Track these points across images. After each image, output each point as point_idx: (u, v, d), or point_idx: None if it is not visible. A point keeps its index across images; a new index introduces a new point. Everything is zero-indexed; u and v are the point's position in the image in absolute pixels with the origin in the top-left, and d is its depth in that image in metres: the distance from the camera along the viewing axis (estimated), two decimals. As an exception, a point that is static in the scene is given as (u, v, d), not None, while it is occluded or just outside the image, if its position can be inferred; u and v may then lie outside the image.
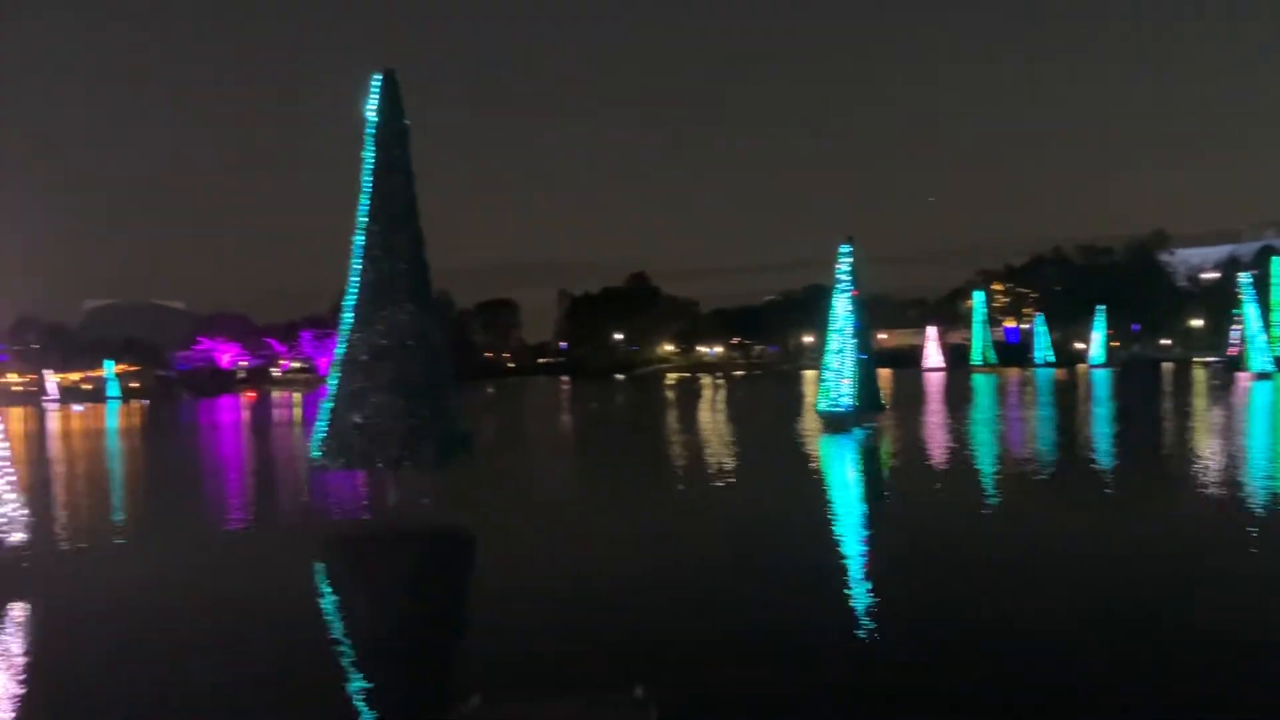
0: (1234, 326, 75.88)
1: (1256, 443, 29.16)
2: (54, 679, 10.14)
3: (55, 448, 42.26)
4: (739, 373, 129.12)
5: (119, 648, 11.16)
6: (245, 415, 64.89)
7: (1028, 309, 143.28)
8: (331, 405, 17.92)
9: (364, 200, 18.15)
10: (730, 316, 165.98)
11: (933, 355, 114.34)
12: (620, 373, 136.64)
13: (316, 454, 18.11)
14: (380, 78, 18.42)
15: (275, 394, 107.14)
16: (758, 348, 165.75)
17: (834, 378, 34.77)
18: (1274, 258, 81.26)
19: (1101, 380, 74.36)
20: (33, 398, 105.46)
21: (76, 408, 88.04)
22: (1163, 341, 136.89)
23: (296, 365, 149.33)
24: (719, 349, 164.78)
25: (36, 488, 24.41)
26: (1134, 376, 77.87)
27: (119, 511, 22.49)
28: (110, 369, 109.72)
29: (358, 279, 17.98)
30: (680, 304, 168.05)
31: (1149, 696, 8.69)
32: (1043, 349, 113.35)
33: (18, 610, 12.84)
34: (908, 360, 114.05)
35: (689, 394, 73.70)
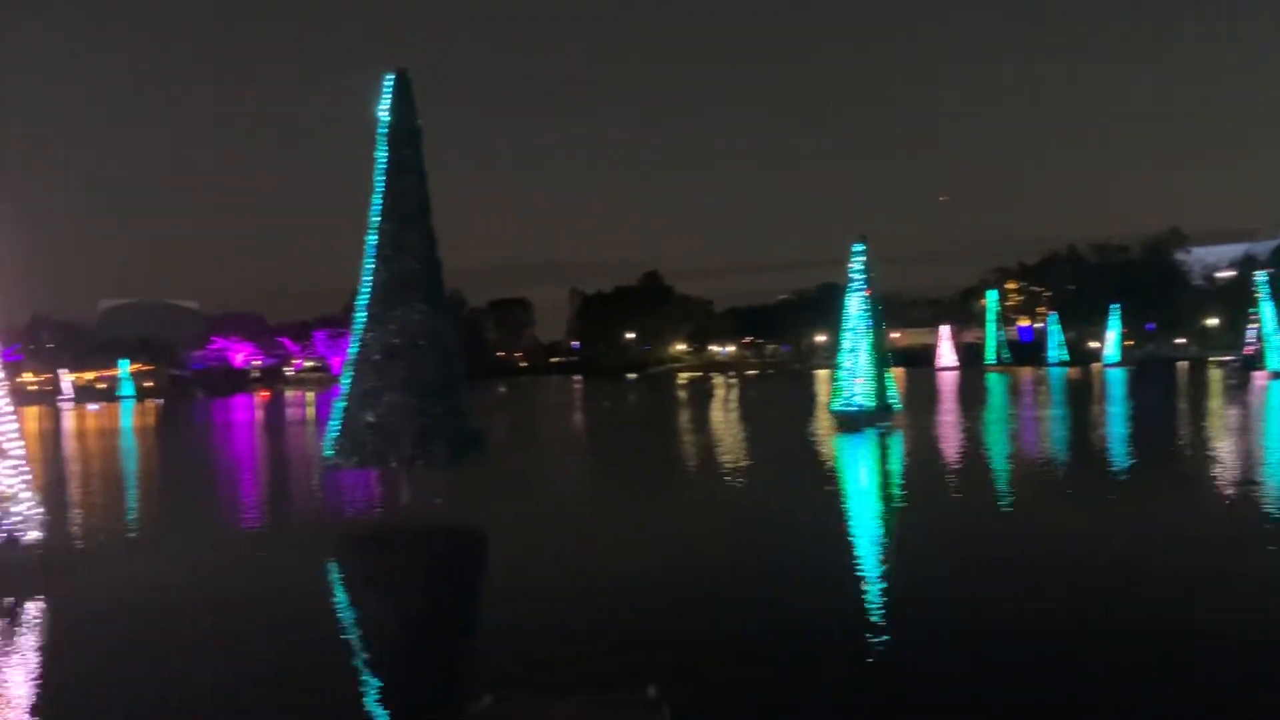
0: (1250, 325, 75.37)
1: (1276, 443, 28.91)
2: (66, 675, 10.17)
3: (70, 447, 42.51)
4: (751, 372, 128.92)
5: (132, 645, 11.20)
6: (259, 414, 65.12)
7: (1041, 308, 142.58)
8: (344, 404, 17.96)
9: (376, 200, 18.18)
10: (743, 316, 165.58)
11: (946, 354, 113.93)
12: (632, 372, 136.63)
13: (330, 453, 18.15)
14: (393, 78, 18.45)
15: (289, 393, 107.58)
16: (770, 347, 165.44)
17: (847, 377, 34.69)
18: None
19: (1116, 379, 73.94)
20: (48, 397, 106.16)
21: (91, 407, 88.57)
22: (1178, 340, 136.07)
23: (310, 364, 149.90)
24: (731, 348, 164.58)
25: (52, 486, 24.55)
26: (1149, 375, 77.42)
27: (134, 510, 22.60)
28: (125, 368, 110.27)
29: (370, 278, 18.01)
30: (693, 303, 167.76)
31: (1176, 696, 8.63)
32: (1056, 348, 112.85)
33: (34, 607, 12.91)
34: (921, 359, 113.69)
35: (701, 393, 73.64)
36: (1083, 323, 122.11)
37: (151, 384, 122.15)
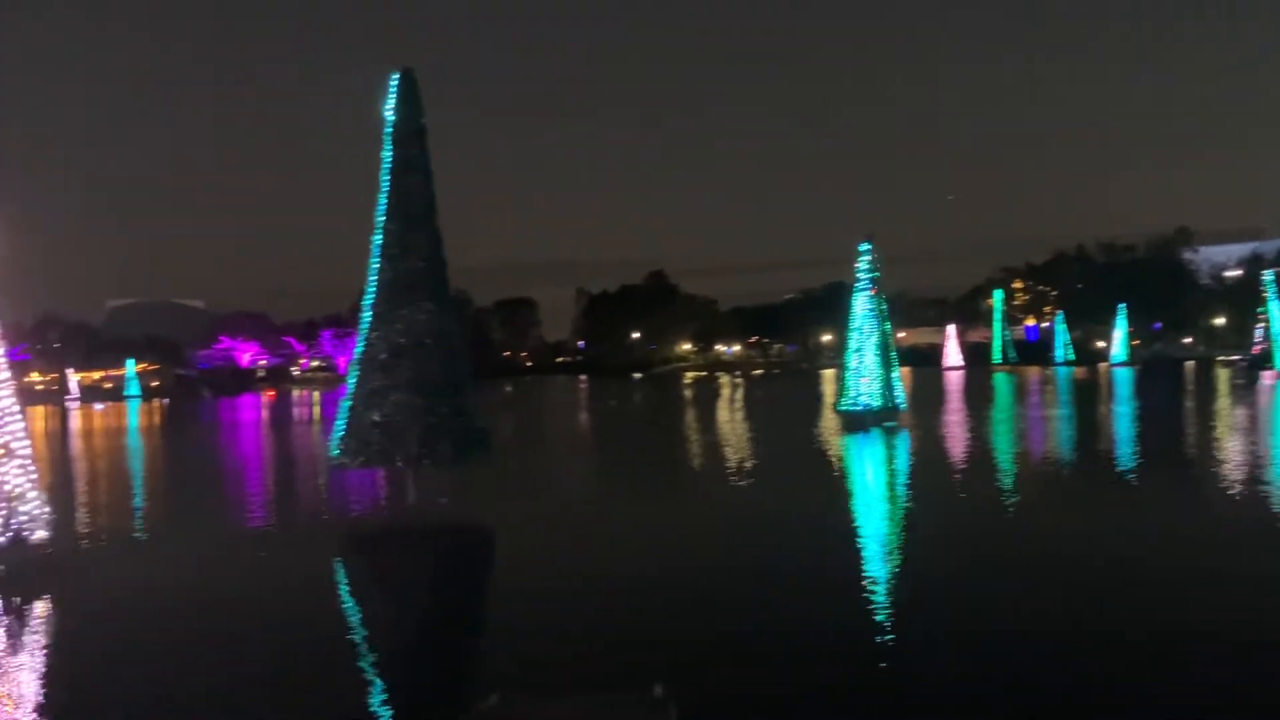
0: (1258, 324, 75.09)
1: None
2: (71, 674, 10.18)
3: (77, 446, 42.61)
4: (757, 372, 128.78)
5: (138, 644, 11.20)
6: (265, 414, 65.21)
7: (1048, 307, 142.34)
8: (350, 404, 17.96)
9: (382, 199, 18.17)
10: (749, 315, 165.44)
11: (952, 354, 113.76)
12: (638, 371, 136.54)
13: (335, 452, 18.15)
14: (398, 76, 18.44)
15: (295, 392, 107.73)
16: (776, 346, 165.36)
17: (854, 376, 34.62)
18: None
19: (1124, 379, 73.73)
20: (54, 397, 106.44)
21: (98, 406, 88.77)
22: (1185, 340, 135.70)
23: (316, 364, 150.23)
24: (737, 348, 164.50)
25: (59, 486, 24.59)
26: (1156, 375, 77.20)
27: (141, 509, 22.63)
28: (131, 368, 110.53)
29: (376, 278, 18.01)
30: (699, 302, 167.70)
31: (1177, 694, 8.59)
32: (1063, 347, 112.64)
33: (40, 606, 12.92)
34: (927, 359, 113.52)
35: (707, 393, 73.58)
36: (1089, 322, 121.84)
37: (158, 383, 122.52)
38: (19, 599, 12.99)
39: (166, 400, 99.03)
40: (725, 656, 10.01)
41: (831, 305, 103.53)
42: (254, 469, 31.56)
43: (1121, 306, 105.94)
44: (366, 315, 18.10)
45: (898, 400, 35.27)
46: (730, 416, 47.57)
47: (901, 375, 37.75)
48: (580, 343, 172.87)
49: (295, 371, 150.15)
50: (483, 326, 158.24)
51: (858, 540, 16.16)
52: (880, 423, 34.00)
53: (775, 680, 9.29)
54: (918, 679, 9.20)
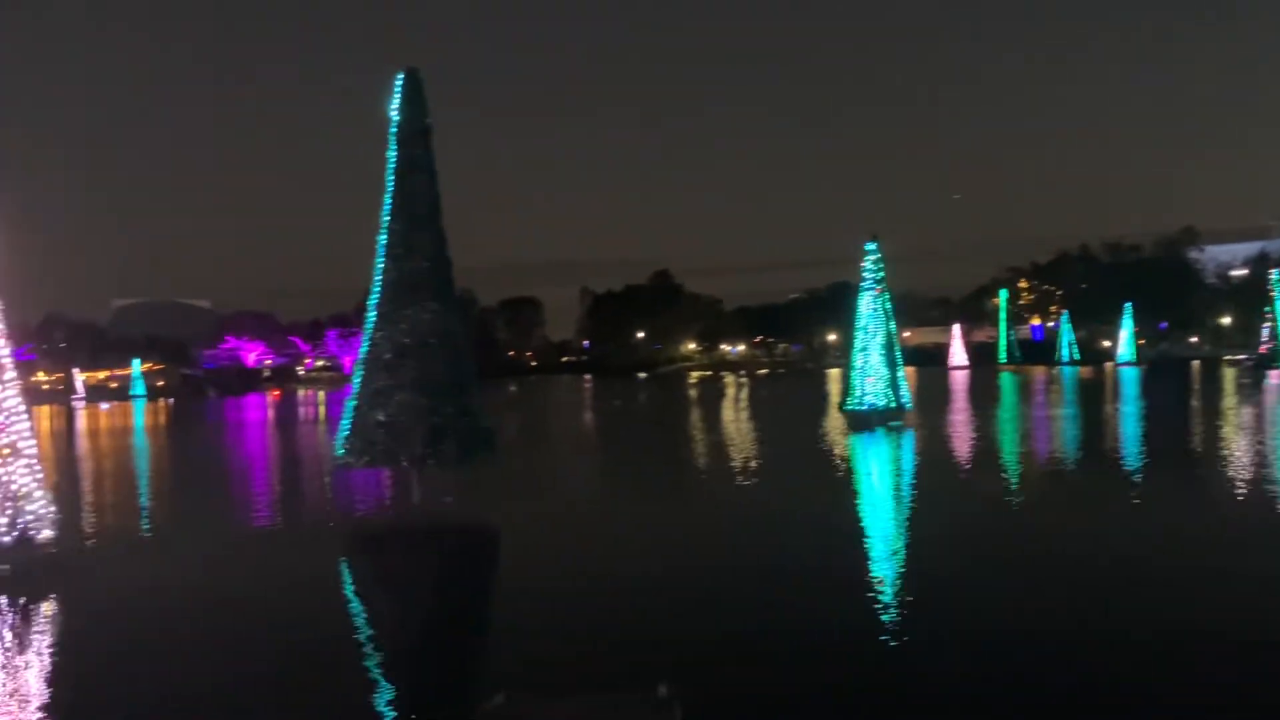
0: (1264, 324, 74.91)
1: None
2: (75, 673, 10.19)
3: (83, 445, 42.70)
4: (762, 371, 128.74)
5: (144, 643, 11.22)
6: (270, 413, 65.32)
7: (1053, 307, 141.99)
8: (355, 403, 17.98)
9: (387, 199, 18.19)
10: (753, 315, 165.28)
11: (958, 353, 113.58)
12: (643, 371, 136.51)
13: (341, 452, 18.16)
14: (403, 76, 18.45)
15: (300, 392, 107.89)
16: (781, 346, 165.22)
17: (859, 376, 34.58)
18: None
19: (1130, 378, 73.58)
20: (60, 396, 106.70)
21: (103, 406, 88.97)
22: (1191, 339, 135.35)
23: (321, 364, 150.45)
24: (742, 347, 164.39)
25: (65, 485, 24.64)
26: (1162, 374, 77.02)
27: (146, 509, 22.67)
28: (137, 368, 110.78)
29: (381, 277, 18.01)
30: (703, 302, 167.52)
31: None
32: (1068, 347, 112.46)
33: (46, 606, 12.95)
34: (932, 359, 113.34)
35: (712, 393, 73.55)
36: (1095, 322, 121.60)
37: (163, 383, 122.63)
38: (25, 598, 13.01)
39: (172, 400, 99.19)
40: (730, 656, 10.01)
41: (836, 305, 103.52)
42: (259, 469, 31.61)
43: (1127, 306, 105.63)
44: (371, 315, 18.12)
45: (903, 400, 35.20)
46: (735, 416, 47.55)
47: (907, 375, 37.69)
48: (585, 342, 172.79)
49: (300, 371, 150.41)
50: (487, 326, 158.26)
51: (863, 540, 16.14)
52: (885, 422, 33.95)
53: (780, 680, 9.28)
54: (923, 679, 9.20)
